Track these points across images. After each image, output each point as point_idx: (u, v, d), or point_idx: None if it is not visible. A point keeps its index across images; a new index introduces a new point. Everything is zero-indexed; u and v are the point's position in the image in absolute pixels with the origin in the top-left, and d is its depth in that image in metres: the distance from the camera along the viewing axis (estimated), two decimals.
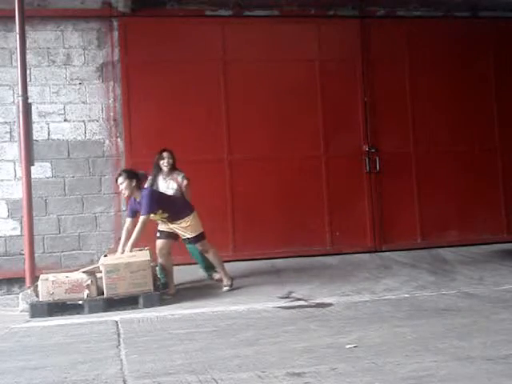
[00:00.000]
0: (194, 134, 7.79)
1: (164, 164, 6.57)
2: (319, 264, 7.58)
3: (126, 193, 6.17)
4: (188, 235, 6.29)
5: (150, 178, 6.55)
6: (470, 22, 8.79)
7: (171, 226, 6.30)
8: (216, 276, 6.67)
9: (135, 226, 6.01)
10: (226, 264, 6.79)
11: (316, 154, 8.20)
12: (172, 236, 6.35)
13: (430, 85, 8.55)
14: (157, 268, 6.31)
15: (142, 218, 6.01)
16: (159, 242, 6.34)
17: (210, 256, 6.43)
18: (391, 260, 7.73)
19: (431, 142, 8.51)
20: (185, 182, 6.58)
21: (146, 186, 6.37)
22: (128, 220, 6.21)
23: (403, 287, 6.13)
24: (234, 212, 7.78)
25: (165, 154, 6.58)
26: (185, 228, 6.26)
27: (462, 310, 4.95)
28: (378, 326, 4.38)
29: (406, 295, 5.73)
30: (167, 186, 6.56)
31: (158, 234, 6.37)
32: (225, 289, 6.33)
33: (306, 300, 5.69)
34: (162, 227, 6.36)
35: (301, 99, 8.23)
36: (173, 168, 6.61)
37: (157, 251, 6.30)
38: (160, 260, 6.30)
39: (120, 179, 6.14)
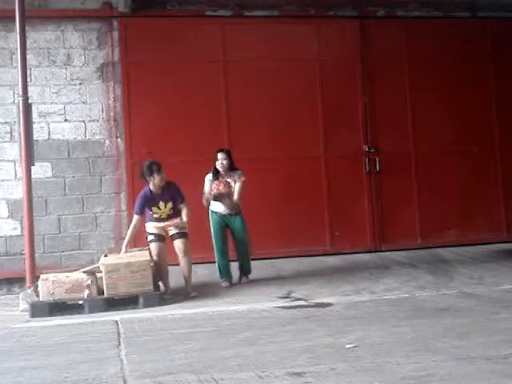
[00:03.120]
0: (194, 133, 7.79)
1: (218, 165, 6.68)
2: (319, 264, 7.58)
3: (162, 184, 6.27)
4: (182, 230, 6.30)
5: (209, 175, 6.71)
6: (470, 22, 8.78)
7: (165, 223, 6.31)
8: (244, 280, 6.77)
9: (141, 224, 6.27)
10: None
11: (316, 154, 8.20)
12: (165, 239, 6.34)
13: (430, 85, 8.55)
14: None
15: (187, 207, 6.30)
16: (157, 246, 6.27)
17: (186, 260, 6.33)
18: (391, 260, 7.73)
19: (431, 142, 8.51)
20: (242, 179, 6.69)
21: (207, 183, 6.69)
22: (137, 217, 6.26)
23: (403, 287, 6.14)
24: None
25: (219, 156, 6.70)
26: (179, 222, 6.29)
27: (461, 310, 4.95)
28: (377, 326, 4.39)
29: (406, 295, 5.73)
30: (219, 184, 6.67)
31: (152, 237, 6.30)
32: (167, 296, 6.19)
33: (306, 300, 5.69)
34: (153, 230, 6.32)
35: (301, 99, 8.23)
36: (230, 168, 6.71)
37: (155, 254, 6.24)
38: (158, 262, 6.26)
39: (162, 169, 6.29)
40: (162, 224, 6.32)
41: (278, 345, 3.96)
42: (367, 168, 8.28)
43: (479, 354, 3.46)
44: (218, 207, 6.71)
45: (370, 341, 3.93)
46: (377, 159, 8.30)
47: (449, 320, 4.53)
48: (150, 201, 6.27)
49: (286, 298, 5.88)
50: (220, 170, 6.68)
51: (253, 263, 6.90)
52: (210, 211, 6.76)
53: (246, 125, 7.95)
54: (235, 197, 6.66)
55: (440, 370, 3.17)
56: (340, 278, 6.79)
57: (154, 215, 6.31)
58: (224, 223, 6.73)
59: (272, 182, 7.92)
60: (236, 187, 6.68)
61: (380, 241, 8.26)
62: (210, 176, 6.72)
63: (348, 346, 3.78)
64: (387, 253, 8.08)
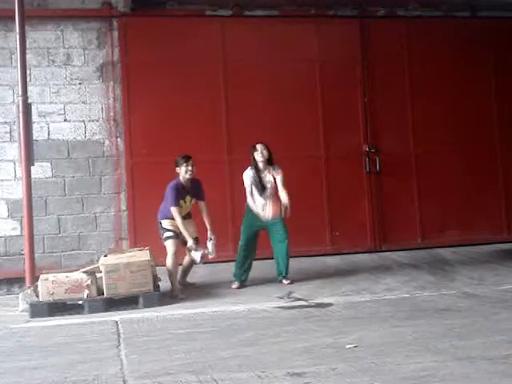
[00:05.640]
0: (194, 134, 7.79)
1: (258, 156, 6.43)
2: (319, 264, 7.58)
3: (187, 176, 6.28)
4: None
5: (250, 169, 6.45)
6: (470, 22, 8.79)
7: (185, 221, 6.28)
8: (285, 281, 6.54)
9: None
10: (225, 264, 6.82)
11: (316, 154, 8.20)
12: (179, 237, 6.30)
13: (430, 85, 8.56)
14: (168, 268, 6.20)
15: (204, 203, 6.41)
16: (175, 243, 6.16)
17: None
18: (391, 260, 7.73)
19: (431, 142, 8.51)
20: (279, 173, 6.46)
21: (249, 178, 6.42)
22: (176, 209, 6.13)
23: (403, 287, 6.13)
24: (234, 212, 7.77)
25: (258, 146, 6.45)
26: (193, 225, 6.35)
27: (461, 310, 4.95)
28: (378, 326, 4.38)
29: (406, 295, 5.73)
30: (267, 179, 6.46)
31: (170, 234, 6.18)
32: (181, 295, 6.16)
33: (306, 300, 5.68)
34: (171, 226, 6.24)
35: (301, 99, 8.23)
36: (268, 161, 6.49)
37: (173, 251, 6.11)
38: (173, 261, 6.12)
39: (190, 162, 6.32)
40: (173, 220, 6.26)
41: (278, 345, 3.96)
42: (367, 168, 8.28)
43: (479, 355, 3.46)
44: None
45: (370, 341, 3.92)
46: (377, 159, 8.30)
47: (449, 320, 4.52)
48: (180, 192, 6.26)
49: (286, 298, 5.87)
50: (260, 160, 6.43)
51: (253, 263, 6.89)
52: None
53: (246, 125, 7.94)
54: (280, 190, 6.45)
55: (440, 370, 3.17)
56: (340, 278, 6.78)
57: None
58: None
59: None
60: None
61: (380, 241, 8.27)
62: (250, 172, 6.44)
63: (348, 346, 3.77)
64: (387, 253, 8.08)
